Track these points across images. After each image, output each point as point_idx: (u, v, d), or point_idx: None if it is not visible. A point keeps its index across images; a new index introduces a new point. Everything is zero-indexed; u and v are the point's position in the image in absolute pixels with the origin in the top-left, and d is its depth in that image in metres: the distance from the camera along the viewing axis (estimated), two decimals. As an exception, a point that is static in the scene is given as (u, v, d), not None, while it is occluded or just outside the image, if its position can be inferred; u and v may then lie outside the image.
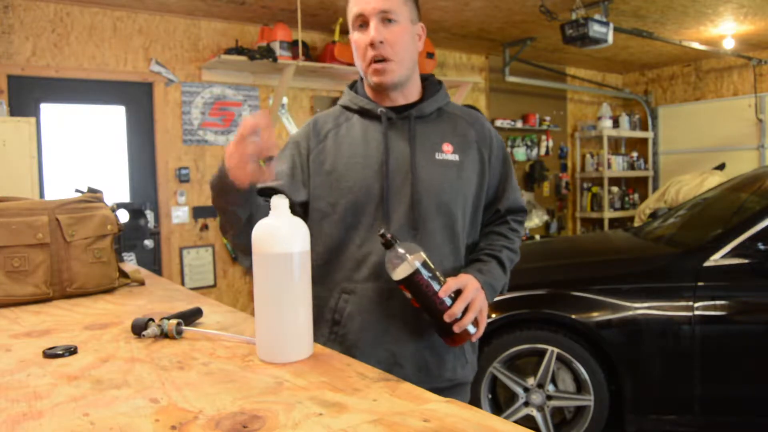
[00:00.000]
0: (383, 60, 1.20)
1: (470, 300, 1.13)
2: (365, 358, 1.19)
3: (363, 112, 1.28)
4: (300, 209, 1.26)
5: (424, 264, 1.11)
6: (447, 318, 1.11)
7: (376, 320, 1.22)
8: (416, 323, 1.22)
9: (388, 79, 1.22)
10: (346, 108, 1.31)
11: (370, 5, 1.19)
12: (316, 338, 1.26)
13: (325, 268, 1.26)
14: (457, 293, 1.14)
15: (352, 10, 1.23)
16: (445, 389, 1.26)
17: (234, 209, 1.10)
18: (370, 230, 1.22)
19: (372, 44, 1.19)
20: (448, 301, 1.12)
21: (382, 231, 1.11)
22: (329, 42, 4.46)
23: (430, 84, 1.33)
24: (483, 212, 1.34)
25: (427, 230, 1.22)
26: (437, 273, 1.12)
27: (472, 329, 1.15)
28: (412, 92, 1.29)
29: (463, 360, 1.29)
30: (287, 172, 1.26)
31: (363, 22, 1.21)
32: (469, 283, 1.15)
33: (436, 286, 1.11)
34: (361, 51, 1.23)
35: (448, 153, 1.26)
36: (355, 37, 1.24)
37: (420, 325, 1.21)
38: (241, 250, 1.18)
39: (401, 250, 1.10)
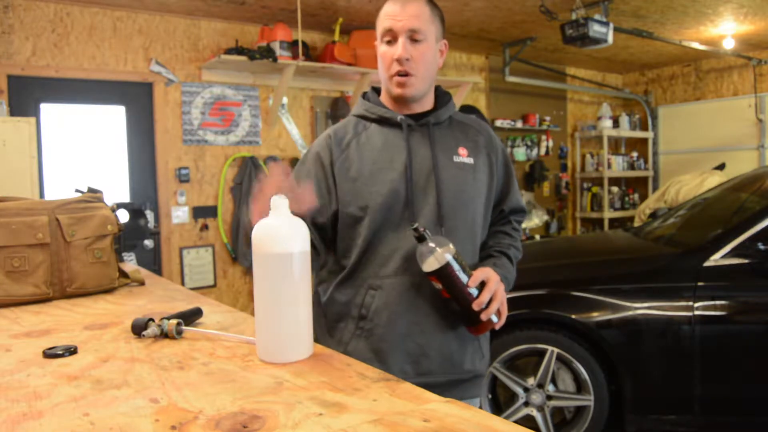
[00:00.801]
0: (406, 74, 1.28)
1: (494, 291, 1.21)
2: (394, 350, 1.27)
3: (382, 120, 1.35)
4: (332, 219, 1.32)
5: (455, 257, 1.18)
6: (476, 306, 1.19)
7: (404, 312, 1.27)
8: (443, 314, 1.28)
9: (409, 93, 1.31)
10: (362, 117, 1.37)
11: (400, 23, 1.26)
12: (341, 334, 1.30)
13: (354, 268, 1.31)
14: (481, 285, 1.21)
15: (383, 24, 1.29)
16: (466, 381, 1.34)
17: None
18: (397, 229, 1.28)
19: (399, 60, 1.27)
20: (475, 292, 1.20)
21: (415, 225, 1.18)
22: (329, 42, 4.46)
23: (440, 94, 1.41)
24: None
25: (450, 228, 1.29)
26: (465, 265, 1.20)
27: (495, 318, 1.24)
28: (426, 102, 1.38)
29: (480, 353, 1.37)
30: (314, 190, 1.28)
31: (392, 38, 1.28)
32: (491, 275, 1.23)
33: (464, 278, 1.18)
34: (387, 63, 1.30)
35: (464, 156, 1.35)
36: (383, 49, 1.30)
37: (446, 315, 1.28)
38: None
39: (432, 244, 1.18)
